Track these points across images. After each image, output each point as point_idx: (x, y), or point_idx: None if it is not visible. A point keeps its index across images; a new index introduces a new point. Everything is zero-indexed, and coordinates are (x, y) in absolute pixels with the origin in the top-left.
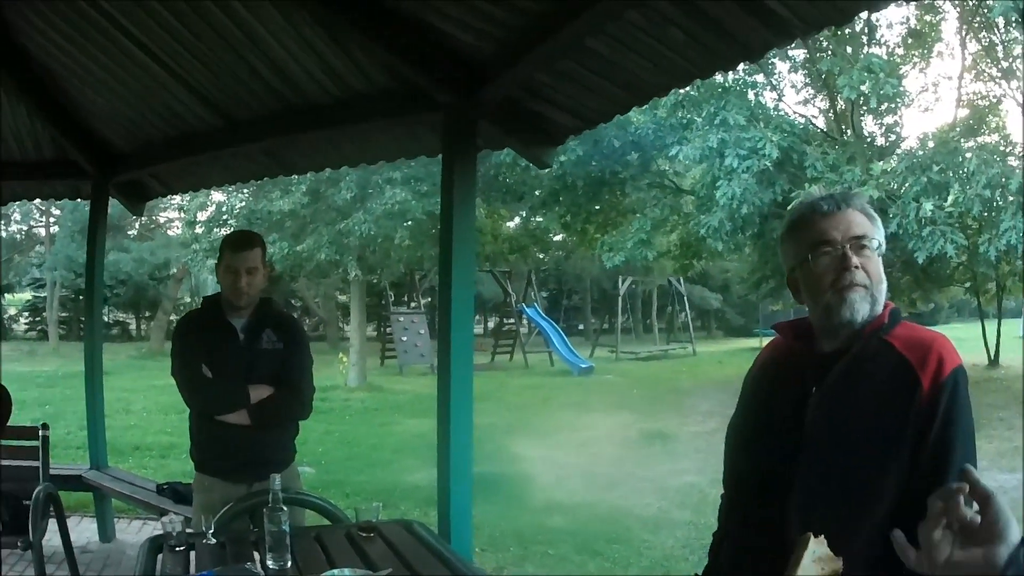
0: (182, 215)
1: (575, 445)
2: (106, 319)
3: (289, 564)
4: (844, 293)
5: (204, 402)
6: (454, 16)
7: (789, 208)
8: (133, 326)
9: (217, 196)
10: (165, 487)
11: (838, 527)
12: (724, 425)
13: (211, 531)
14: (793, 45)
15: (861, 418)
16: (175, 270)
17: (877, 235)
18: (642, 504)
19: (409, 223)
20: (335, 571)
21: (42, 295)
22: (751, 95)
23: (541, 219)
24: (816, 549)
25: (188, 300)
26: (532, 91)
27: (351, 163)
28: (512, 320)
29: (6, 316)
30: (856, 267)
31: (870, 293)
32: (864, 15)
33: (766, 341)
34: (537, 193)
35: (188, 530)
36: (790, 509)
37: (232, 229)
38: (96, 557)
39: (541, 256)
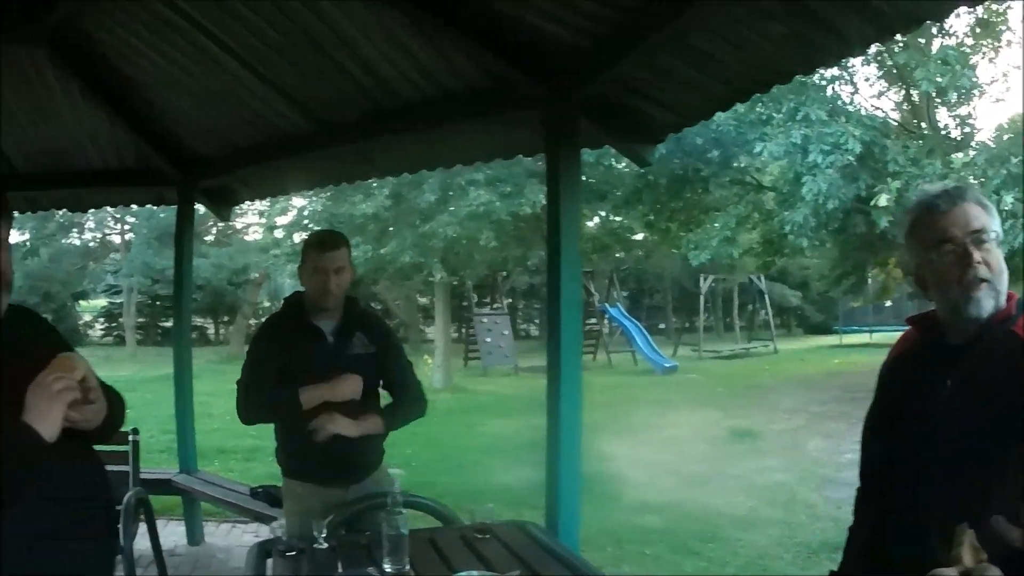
0: (261, 220)
1: (662, 443)
2: None
3: (407, 567)
4: (970, 291)
5: (258, 407)
6: (549, 12)
7: (907, 208)
8: (211, 331)
9: (298, 201)
10: (259, 491)
11: (972, 514)
12: (808, 422)
13: (323, 535)
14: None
15: (993, 407)
16: (255, 275)
17: (994, 225)
18: (732, 502)
19: (493, 224)
20: (461, 574)
21: (118, 301)
22: (828, 90)
23: (621, 218)
24: (971, 540)
25: (267, 304)
26: (631, 87)
27: (445, 164)
28: (594, 320)
29: (81, 322)
30: (978, 262)
31: (993, 287)
32: None
33: (847, 339)
34: (619, 192)
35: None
36: (924, 497)
37: None
38: (185, 560)
39: (621, 255)
